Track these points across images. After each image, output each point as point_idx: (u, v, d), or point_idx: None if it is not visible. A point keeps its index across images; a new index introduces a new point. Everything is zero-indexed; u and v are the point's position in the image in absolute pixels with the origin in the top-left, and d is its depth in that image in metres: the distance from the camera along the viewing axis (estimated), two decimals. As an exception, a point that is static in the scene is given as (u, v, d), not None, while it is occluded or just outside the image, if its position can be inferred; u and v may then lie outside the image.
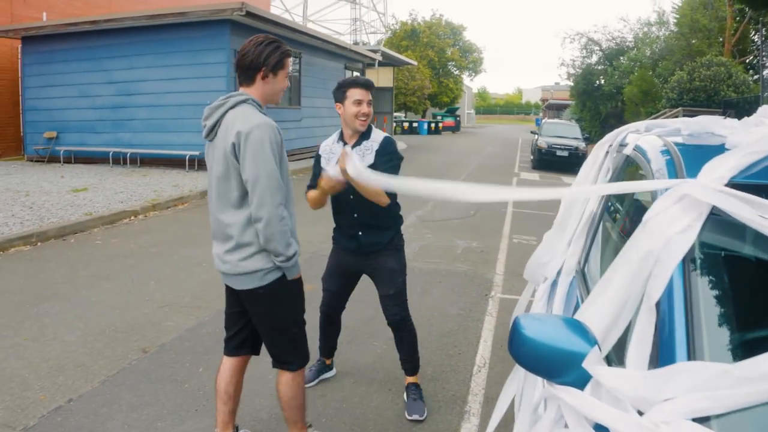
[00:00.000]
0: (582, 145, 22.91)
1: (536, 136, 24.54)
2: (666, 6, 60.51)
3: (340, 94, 3.81)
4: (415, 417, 3.94)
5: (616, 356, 1.77)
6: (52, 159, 17.36)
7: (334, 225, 4.14)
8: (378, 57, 27.78)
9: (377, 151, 3.84)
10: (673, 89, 24.92)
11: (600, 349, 1.68)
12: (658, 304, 1.62)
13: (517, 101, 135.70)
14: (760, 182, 1.84)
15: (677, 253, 1.66)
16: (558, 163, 22.25)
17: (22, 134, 18.87)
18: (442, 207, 12.30)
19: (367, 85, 3.81)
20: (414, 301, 6.18)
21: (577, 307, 2.44)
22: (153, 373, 4.54)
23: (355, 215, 3.91)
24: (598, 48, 40.56)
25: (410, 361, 4.18)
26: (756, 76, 26.90)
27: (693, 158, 2.13)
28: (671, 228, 1.71)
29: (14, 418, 3.84)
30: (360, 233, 3.95)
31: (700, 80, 23.99)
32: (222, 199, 3.04)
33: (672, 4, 33.85)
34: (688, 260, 1.68)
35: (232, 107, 3.02)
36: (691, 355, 1.48)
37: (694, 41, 29.74)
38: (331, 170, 3.61)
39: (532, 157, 24.47)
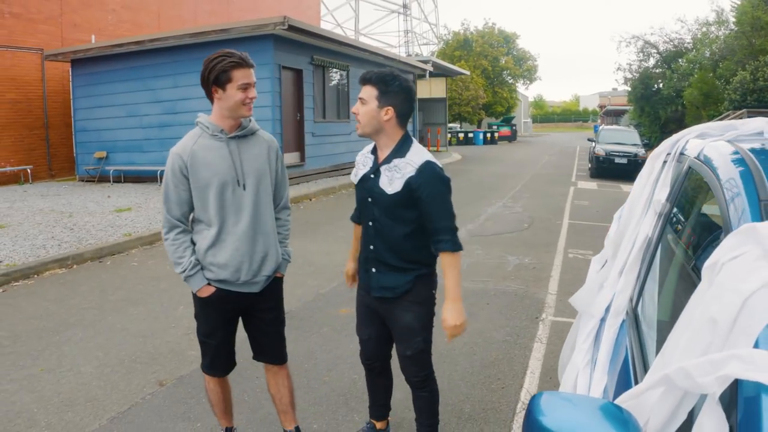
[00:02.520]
0: (641, 151, 21.99)
1: (593, 144, 23.69)
2: (725, 4, 58.24)
3: None
4: None
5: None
6: (102, 179, 17.47)
7: None
8: (429, 68, 27.34)
9: (410, 180, 3.00)
10: (736, 90, 23.83)
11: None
12: (728, 399, 1.13)
13: (574, 108, 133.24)
14: None
15: (760, 319, 1.12)
16: (616, 170, 21.37)
17: (74, 155, 19.08)
18: (495, 220, 11.79)
19: (361, 80, 3.10)
20: (456, 326, 5.73)
21: (626, 361, 1.94)
22: (165, 410, 4.19)
23: (371, 247, 3.18)
24: (655, 51, 39.22)
25: (429, 425, 3.42)
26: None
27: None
28: (751, 281, 1.19)
29: (10, 465, 3.53)
30: (373, 270, 3.20)
31: (764, 80, 22.89)
32: None
33: (731, 3, 32.43)
34: None
35: None
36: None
37: (756, 40, 28.37)
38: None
39: (589, 166, 23.62)
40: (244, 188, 3.11)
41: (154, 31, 21.14)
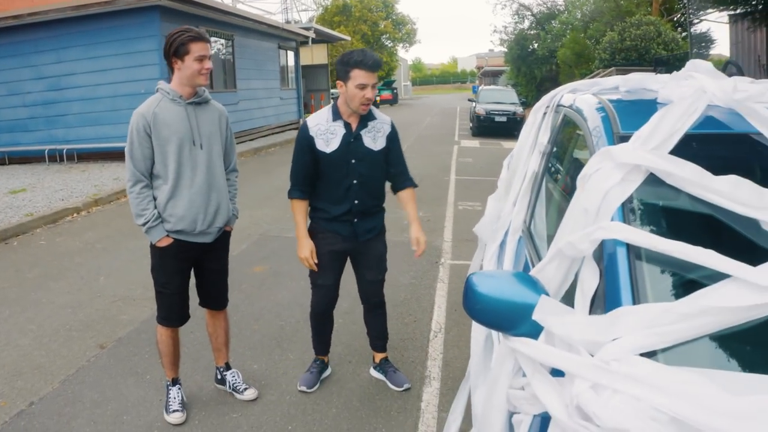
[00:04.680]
0: (519, 109, 23.24)
1: (474, 104, 24.76)
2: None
3: (343, 72, 3.52)
4: (407, 386, 4.04)
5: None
6: (-16, 162, 16.77)
7: (317, 211, 3.84)
8: (311, 35, 27.51)
9: (389, 136, 3.77)
10: (605, 50, 25.34)
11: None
12: (598, 255, 1.72)
13: (452, 70, 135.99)
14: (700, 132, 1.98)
15: (613, 204, 1.76)
16: (497, 128, 22.53)
17: (-51, 138, 18.11)
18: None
19: (375, 66, 3.49)
20: (368, 275, 6.30)
21: (526, 266, 2.54)
22: (113, 368, 4.52)
23: (356, 201, 3.71)
24: (529, 13, 40.98)
25: (383, 338, 4.20)
26: (684, 34, 27.50)
27: (627, 113, 2.24)
28: (607, 183, 1.80)
29: (-25, 426, 3.80)
30: (356, 220, 3.76)
31: (630, 40, 24.43)
32: None
33: (598, -34, 34.35)
34: (627, 211, 1.78)
35: None
36: (636, 298, 1.58)
37: (623, 2, 30.21)
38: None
39: (471, 125, 24.68)
40: (201, 147, 3.53)
41: (28, 4, 20.25)
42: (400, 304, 5.56)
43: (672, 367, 1.37)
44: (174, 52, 3.37)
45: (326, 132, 3.63)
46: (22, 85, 16.33)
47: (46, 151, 15.99)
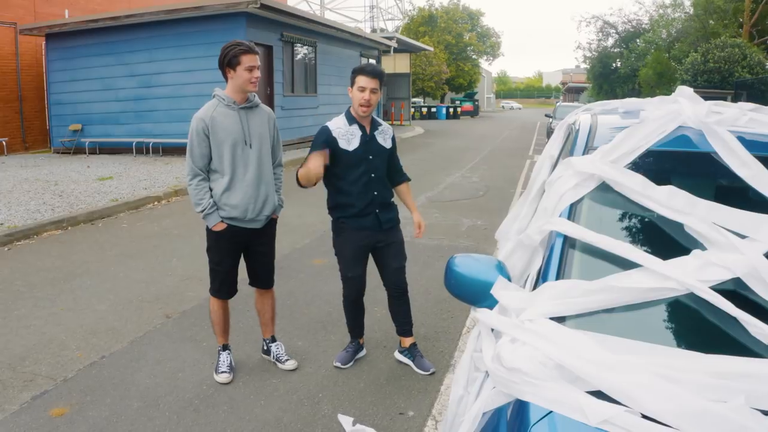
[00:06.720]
0: (595, 127, 23.10)
1: (551, 120, 24.82)
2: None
3: (351, 79, 4.14)
4: (432, 370, 4.43)
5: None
6: (78, 150, 18.04)
7: (343, 209, 4.28)
8: (393, 44, 28.15)
9: (392, 138, 4.41)
10: (688, 71, 25.03)
11: (509, 279, 2.17)
12: (546, 244, 2.12)
13: (537, 84, 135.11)
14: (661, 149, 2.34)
15: (562, 204, 2.15)
16: (571, 145, 22.46)
17: (48, 127, 19.61)
18: (453, 189, 12.76)
19: (374, 73, 4.05)
20: (416, 273, 6.71)
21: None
22: (175, 335, 5.11)
23: (376, 193, 4.23)
24: (614, 31, 40.61)
25: (410, 323, 4.56)
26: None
27: (607, 130, 2.61)
28: (564, 187, 2.19)
29: (55, 372, 4.43)
30: (377, 211, 4.26)
31: (714, 62, 24.06)
32: None
33: (686, -14, 33.82)
34: (574, 210, 2.16)
35: None
36: (559, 277, 1.96)
37: (711, 21, 29.70)
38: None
39: (547, 140, 24.70)
40: (251, 147, 4.05)
41: (125, 6, 21.55)
42: (442, 301, 5.93)
43: (571, 329, 1.74)
44: (228, 63, 3.90)
45: (346, 133, 4.17)
46: (116, 82, 17.55)
47: (134, 144, 17.12)
